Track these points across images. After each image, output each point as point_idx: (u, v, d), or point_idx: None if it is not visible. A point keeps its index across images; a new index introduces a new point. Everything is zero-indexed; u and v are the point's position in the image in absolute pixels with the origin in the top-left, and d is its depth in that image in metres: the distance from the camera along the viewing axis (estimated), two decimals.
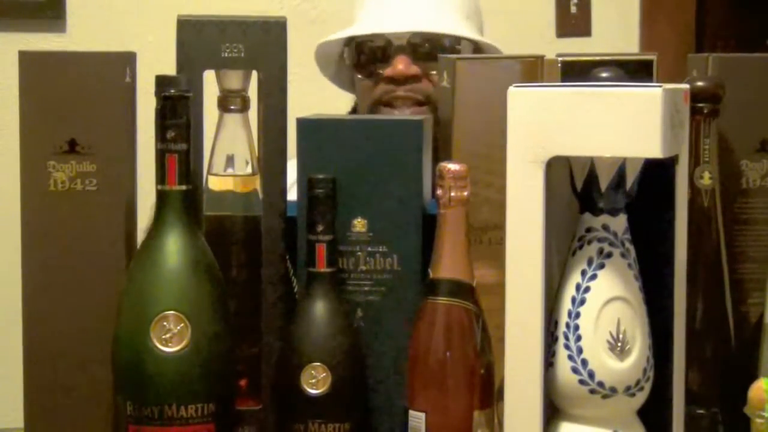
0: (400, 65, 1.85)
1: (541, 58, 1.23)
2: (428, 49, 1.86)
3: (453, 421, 1.09)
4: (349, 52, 1.95)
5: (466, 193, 1.09)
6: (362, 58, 1.92)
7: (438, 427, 1.09)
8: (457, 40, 1.88)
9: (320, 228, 1.14)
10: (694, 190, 1.18)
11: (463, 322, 1.09)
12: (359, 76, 1.93)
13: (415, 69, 1.85)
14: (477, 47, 1.90)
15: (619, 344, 1.02)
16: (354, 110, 2.04)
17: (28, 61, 1.20)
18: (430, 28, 1.87)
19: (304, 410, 1.11)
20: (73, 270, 1.19)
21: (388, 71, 1.87)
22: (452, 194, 1.09)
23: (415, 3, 1.93)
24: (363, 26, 1.92)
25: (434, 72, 1.84)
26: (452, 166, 1.09)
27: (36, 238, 1.19)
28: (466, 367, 1.09)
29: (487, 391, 1.10)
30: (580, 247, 1.04)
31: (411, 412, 1.10)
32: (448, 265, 1.09)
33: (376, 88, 1.89)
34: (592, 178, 1.04)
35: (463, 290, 1.09)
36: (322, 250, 1.14)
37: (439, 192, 1.09)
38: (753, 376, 1.12)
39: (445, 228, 1.10)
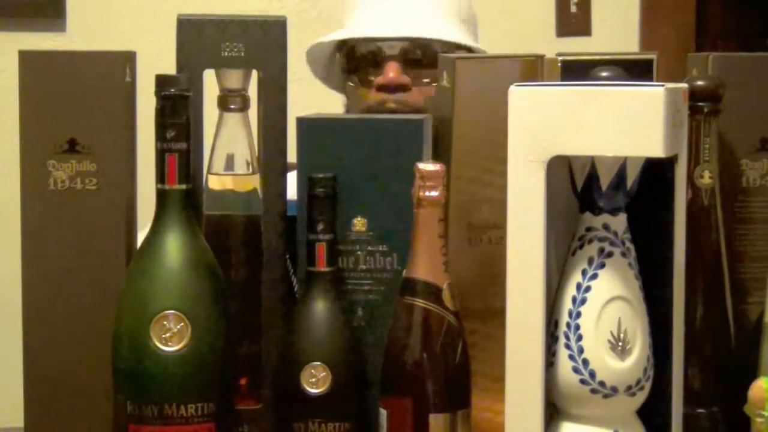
0: (391, 73, 1.83)
1: (541, 57, 1.23)
2: (420, 56, 1.84)
3: (408, 421, 1.08)
4: (340, 57, 1.93)
5: (435, 194, 1.08)
6: (354, 64, 1.90)
7: (395, 427, 1.09)
8: (451, 46, 1.86)
9: (320, 227, 1.14)
10: (693, 189, 1.18)
11: (421, 323, 1.09)
12: (350, 83, 1.91)
13: (405, 78, 1.83)
14: (470, 52, 1.89)
15: (620, 344, 1.02)
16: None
17: (28, 60, 1.20)
18: (424, 34, 1.85)
19: (304, 410, 1.11)
20: (73, 270, 1.19)
21: (378, 79, 1.85)
22: (421, 194, 1.08)
23: (408, 7, 1.90)
24: (355, 30, 1.90)
25: (426, 80, 1.83)
26: (422, 166, 1.09)
27: (36, 238, 1.19)
28: (420, 369, 1.09)
29: (447, 395, 1.09)
30: (581, 247, 1.04)
31: (379, 408, 1.10)
32: (417, 265, 1.09)
33: (368, 96, 1.87)
34: (592, 177, 1.04)
35: (427, 291, 1.09)
36: (322, 250, 1.14)
37: (411, 191, 1.09)
38: (753, 376, 1.12)
39: (416, 228, 1.09)
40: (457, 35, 1.87)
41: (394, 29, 1.86)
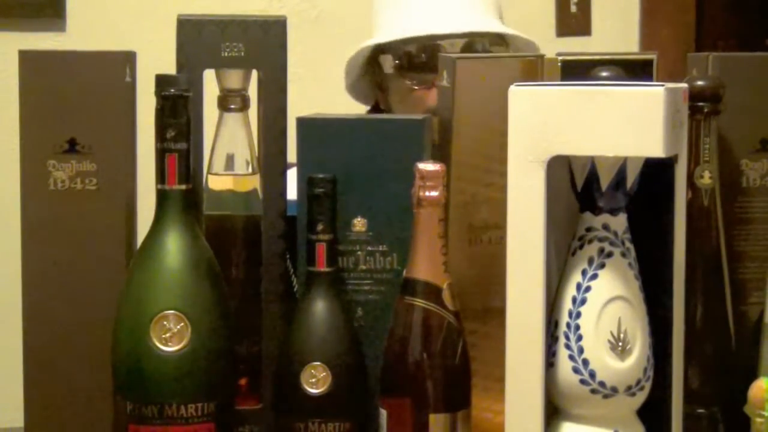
0: None
1: (541, 57, 1.23)
2: (478, 53, 1.80)
3: (408, 421, 1.08)
4: (387, 59, 1.88)
5: (435, 194, 1.08)
6: (410, 65, 1.85)
7: (395, 427, 1.09)
8: (500, 42, 1.84)
9: (320, 227, 1.13)
10: (694, 189, 1.18)
11: (420, 323, 1.09)
12: (408, 83, 1.86)
13: None
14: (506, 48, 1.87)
15: (620, 344, 1.02)
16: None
17: (28, 60, 1.20)
18: (486, 28, 1.81)
19: (304, 410, 1.11)
20: (73, 269, 1.19)
21: None
22: (421, 194, 1.08)
23: (458, 5, 1.86)
24: (413, 28, 1.84)
25: None
26: (422, 166, 1.09)
27: (36, 238, 1.19)
28: (420, 369, 1.09)
29: (447, 395, 1.09)
30: (581, 247, 1.04)
31: (379, 408, 1.10)
32: (417, 265, 1.09)
33: (429, 97, 1.82)
34: (592, 177, 1.04)
35: (427, 291, 1.09)
36: (322, 250, 1.14)
37: (411, 191, 1.09)
38: (753, 376, 1.12)
39: (416, 228, 1.09)
40: (514, 31, 1.86)
41: (454, 26, 1.81)
